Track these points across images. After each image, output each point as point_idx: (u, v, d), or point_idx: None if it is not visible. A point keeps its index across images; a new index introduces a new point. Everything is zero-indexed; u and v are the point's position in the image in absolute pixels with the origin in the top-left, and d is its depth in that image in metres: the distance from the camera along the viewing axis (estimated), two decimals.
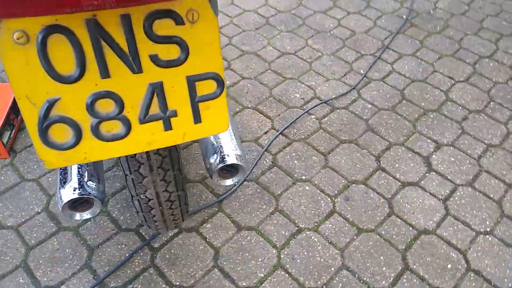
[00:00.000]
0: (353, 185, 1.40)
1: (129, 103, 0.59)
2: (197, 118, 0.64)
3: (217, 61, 0.61)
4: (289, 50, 1.92)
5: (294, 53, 1.90)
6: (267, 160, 1.47)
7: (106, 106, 0.59)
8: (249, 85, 1.74)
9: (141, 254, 1.25)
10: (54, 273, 1.21)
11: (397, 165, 1.46)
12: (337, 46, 1.94)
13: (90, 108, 0.58)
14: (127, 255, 1.24)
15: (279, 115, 1.62)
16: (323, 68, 1.83)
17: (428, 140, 1.54)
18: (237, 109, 1.64)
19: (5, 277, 1.20)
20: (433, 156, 1.49)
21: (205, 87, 0.62)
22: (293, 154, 1.49)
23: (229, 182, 0.97)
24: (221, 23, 2.06)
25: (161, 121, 0.62)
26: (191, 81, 0.61)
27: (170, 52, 0.58)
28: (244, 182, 1.40)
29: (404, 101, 1.69)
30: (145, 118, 0.60)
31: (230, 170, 0.97)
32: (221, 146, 0.97)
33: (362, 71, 1.82)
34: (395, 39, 1.99)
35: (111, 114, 0.59)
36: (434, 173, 1.44)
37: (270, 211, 1.33)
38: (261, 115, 1.62)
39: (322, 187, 1.39)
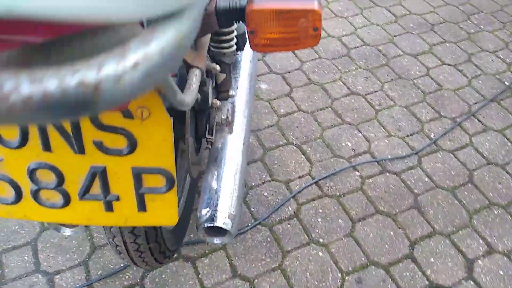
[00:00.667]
0: (372, 266, 1.24)
1: (69, 179, 0.57)
2: (141, 207, 0.58)
3: (168, 159, 0.54)
4: (360, 90, 1.76)
5: (364, 95, 1.74)
6: (290, 209, 1.37)
7: (46, 177, 0.57)
8: (302, 119, 1.64)
9: (134, 268, 1.24)
10: (54, 260, 1.25)
11: (432, 260, 1.27)
12: (415, 99, 1.74)
13: (31, 175, 0.57)
14: (121, 265, 1.24)
15: (322, 161, 1.50)
16: (389, 120, 1.65)
17: (481, 240, 1.32)
18: (280, 143, 1.55)
19: (14, 250, 1.27)
20: (479, 261, 1.27)
21: (153, 181, 0.57)
22: (320, 210, 1.37)
23: (212, 240, 0.91)
24: None
25: (102, 202, 0.58)
26: (137, 173, 0.56)
27: (116, 141, 0.54)
28: (257, 226, 1.32)
29: (469, 185, 1.46)
30: (84, 196, 0.57)
31: (218, 229, 0.91)
32: (217, 203, 0.90)
33: (432, 136, 1.61)
34: (486, 106, 1.72)
35: (51, 185, 0.57)
36: (472, 282, 1.22)
37: (273, 266, 1.24)
38: (302, 156, 1.51)
39: (337, 258, 1.26)
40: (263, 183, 1.42)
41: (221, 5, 0.63)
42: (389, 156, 1.53)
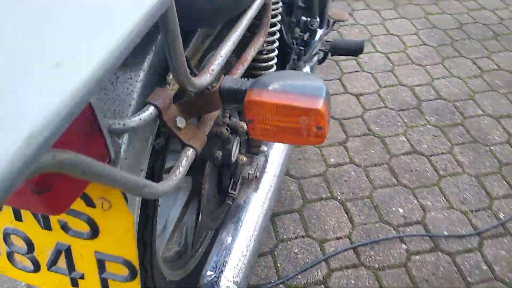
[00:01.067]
0: None
1: (38, 249, 0.56)
2: None
3: (130, 251, 0.50)
4: (424, 150, 1.59)
5: (428, 156, 1.57)
6: (319, 273, 1.25)
7: (18, 242, 0.57)
8: (352, 173, 1.51)
9: None
10: None
11: None
12: (488, 169, 1.53)
13: (5, 238, 0.57)
14: None
15: (365, 224, 1.36)
16: (453, 189, 1.47)
17: None
18: (323, 196, 1.44)
19: None
20: None
21: (116, 268, 0.53)
22: (352, 281, 1.23)
23: None
24: (365, 89, 1.84)
25: (68, 276, 0.55)
26: (100, 258, 0.52)
27: (79, 225, 0.52)
28: (280, 285, 1.22)
29: None
30: (51, 268, 0.55)
31: None
32: (222, 269, 0.83)
33: (502, 216, 1.39)
34: None
35: (22, 251, 0.57)
36: None
37: None
38: (345, 214, 1.39)
39: None
40: (296, 237, 1.33)
41: (225, 85, 0.58)
42: (445, 232, 1.35)
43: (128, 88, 0.54)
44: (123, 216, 0.47)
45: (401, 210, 1.41)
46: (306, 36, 1.33)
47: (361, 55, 1.98)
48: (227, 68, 0.74)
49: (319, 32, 1.40)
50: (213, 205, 0.97)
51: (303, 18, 1.32)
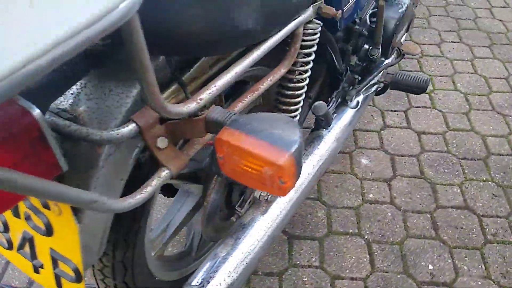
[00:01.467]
0: None
1: (12, 231, 0.61)
2: (58, 285, 0.59)
3: (76, 257, 0.53)
4: (478, 208, 1.45)
5: (480, 216, 1.43)
6: None
7: None
8: (389, 214, 1.43)
9: None
10: None
11: None
12: None
13: None
14: None
15: (386, 272, 1.28)
16: (497, 259, 1.32)
17: None
18: (350, 231, 1.38)
19: None
20: None
21: (65, 268, 0.56)
22: None
23: None
24: (430, 128, 1.71)
25: (31, 263, 0.60)
26: (53, 255, 0.56)
27: (38, 221, 0.55)
28: None
29: None
30: (19, 250, 0.60)
31: None
32: (204, 284, 0.85)
33: None
34: None
35: (0, 229, 0.62)
36: None
37: None
38: (367, 256, 1.32)
39: None
40: (309, 266, 1.29)
41: (211, 115, 0.58)
42: None
43: (118, 102, 0.56)
44: (69, 225, 0.51)
45: (430, 267, 1.30)
46: (364, 65, 1.28)
47: (436, 91, 1.85)
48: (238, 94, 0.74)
49: (386, 62, 1.33)
50: (217, 217, 0.98)
51: (366, 46, 1.26)
